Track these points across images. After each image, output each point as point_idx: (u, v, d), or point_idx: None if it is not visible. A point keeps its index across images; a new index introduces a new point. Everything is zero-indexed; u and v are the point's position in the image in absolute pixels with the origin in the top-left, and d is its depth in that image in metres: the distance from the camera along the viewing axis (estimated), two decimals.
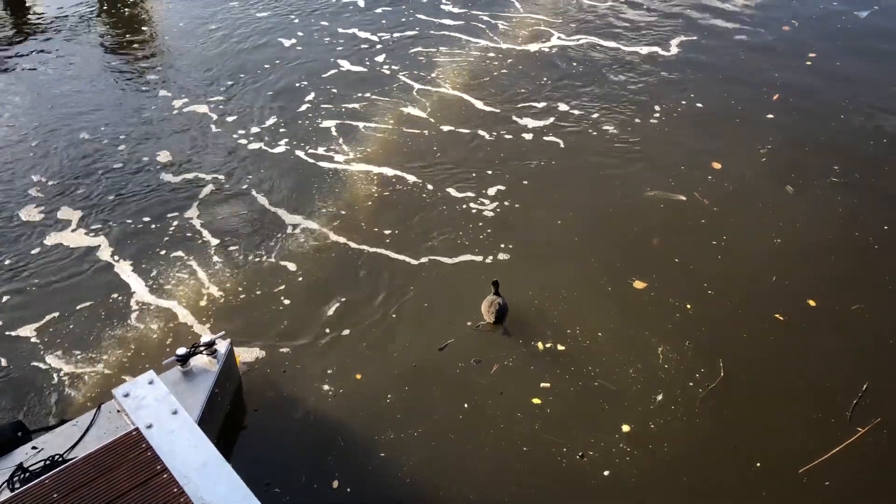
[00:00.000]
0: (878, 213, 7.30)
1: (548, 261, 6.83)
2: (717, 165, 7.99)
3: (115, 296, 6.54)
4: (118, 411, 4.71)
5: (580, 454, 5.17)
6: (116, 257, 6.96)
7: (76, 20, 11.55)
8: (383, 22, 11.19)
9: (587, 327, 6.12)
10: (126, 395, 4.63)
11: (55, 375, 5.80)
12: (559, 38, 10.67)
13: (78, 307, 6.42)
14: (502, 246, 6.95)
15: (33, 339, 6.14)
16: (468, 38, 10.68)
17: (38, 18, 11.73)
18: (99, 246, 7.09)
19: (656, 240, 6.99)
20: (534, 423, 5.41)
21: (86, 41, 10.95)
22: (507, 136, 8.53)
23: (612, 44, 10.47)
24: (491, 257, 6.85)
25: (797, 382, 5.67)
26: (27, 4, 12.25)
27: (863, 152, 8.19)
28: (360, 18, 11.33)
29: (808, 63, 9.91)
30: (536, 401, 5.57)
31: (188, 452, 4.28)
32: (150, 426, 4.43)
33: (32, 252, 7.03)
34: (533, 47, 10.43)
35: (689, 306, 6.30)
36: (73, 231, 7.29)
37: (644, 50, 10.30)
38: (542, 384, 5.69)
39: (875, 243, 6.91)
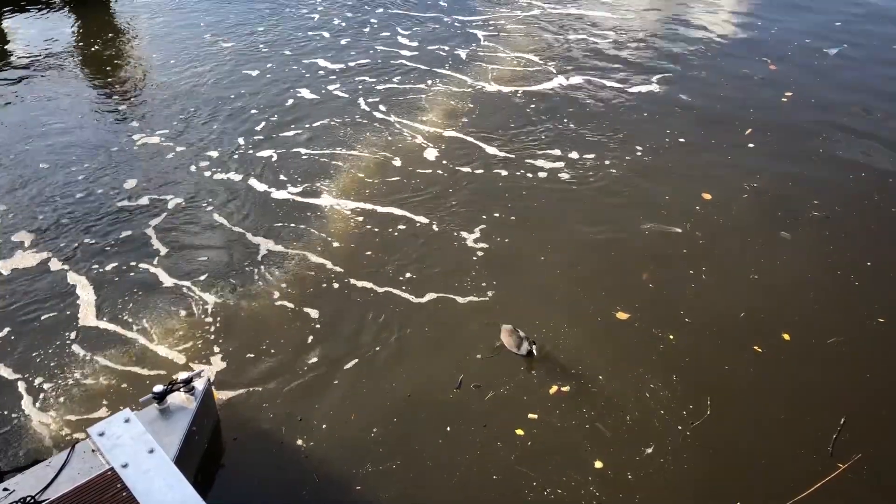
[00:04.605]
0: (861, 248, 7.38)
1: (543, 296, 6.82)
2: (707, 196, 8.10)
3: (82, 328, 6.45)
4: (93, 451, 4.62)
5: (546, 489, 5.13)
6: (84, 287, 6.89)
7: (52, 53, 11.62)
8: (352, 53, 11.48)
9: (584, 362, 6.11)
10: (101, 434, 4.56)
11: (24, 414, 5.70)
12: (543, 76, 10.83)
13: (47, 342, 6.32)
14: (499, 283, 6.93)
15: None
16: (434, 72, 10.87)
17: (14, 51, 11.79)
18: (66, 277, 7.01)
19: (646, 274, 7.03)
20: (510, 454, 5.39)
21: (60, 74, 11.01)
22: (498, 173, 8.60)
23: (596, 81, 10.65)
24: (484, 294, 6.82)
25: (778, 416, 5.68)
26: (3, 36, 12.30)
27: (842, 187, 8.32)
28: (326, 51, 11.56)
29: (784, 100, 10.11)
30: (520, 431, 5.55)
31: (164, 492, 4.22)
32: (125, 466, 4.36)
33: None
34: (513, 86, 10.57)
35: (671, 337, 6.33)
36: (32, 258, 7.23)
37: (629, 87, 10.47)
38: (530, 415, 5.67)
39: (856, 279, 6.98)
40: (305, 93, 10.30)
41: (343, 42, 11.85)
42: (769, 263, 7.17)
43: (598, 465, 5.29)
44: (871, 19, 12.82)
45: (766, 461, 5.33)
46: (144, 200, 8.10)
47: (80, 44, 12.08)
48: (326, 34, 12.13)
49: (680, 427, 5.57)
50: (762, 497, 5.09)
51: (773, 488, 5.13)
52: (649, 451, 5.39)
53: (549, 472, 5.25)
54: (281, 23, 12.63)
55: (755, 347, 6.24)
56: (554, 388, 5.88)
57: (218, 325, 6.50)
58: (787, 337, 6.34)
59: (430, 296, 6.80)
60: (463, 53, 11.45)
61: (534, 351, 6.07)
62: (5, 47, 11.96)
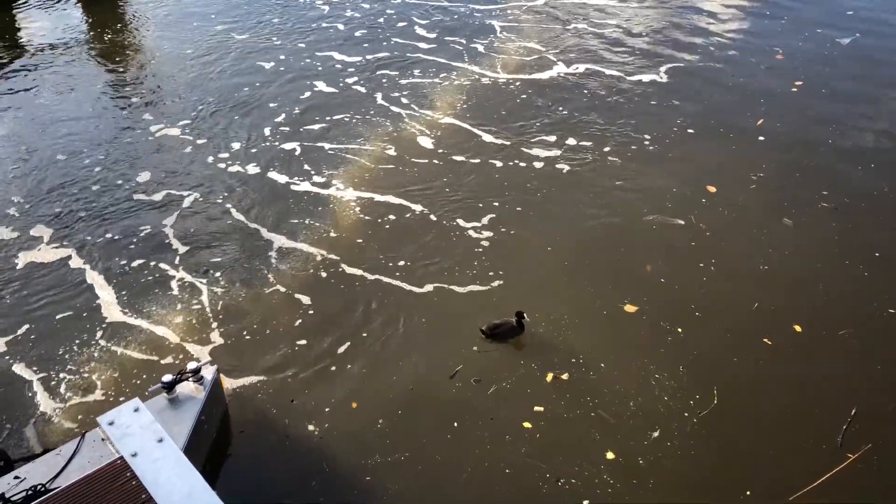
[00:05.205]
0: (869, 239, 7.33)
1: (546, 286, 6.81)
2: (711, 189, 8.05)
3: (95, 318, 6.49)
4: (103, 440, 4.65)
5: (559, 480, 5.13)
6: (97, 279, 6.93)
7: (64, 46, 11.63)
8: (365, 45, 11.42)
9: (587, 352, 6.10)
10: (111, 423, 4.58)
11: (35, 403, 5.73)
12: (548, 65, 10.78)
13: (60, 331, 6.37)
14: (501, 273, 6.92)
15: (11, 363, 6.08)
16: (447, 63, 10.82)
17: (28, 43, 11.79)
18: (81, 268, 7.07)
19: (650, 266, 7.00)
20: (520, 447, 5.39)
21: (73, 66, 11.03)
22: (499, 163, 8.57)
23: (603, 70, 10.59)
24: (489, 284, 6.81)
25: (788, 408, 5.66)
26: (17, 28, 12.32)
27: (852, 178, 8.26)
28: (339, 42, 11.55)
29: (794, 90, 10.04)
30: (527, 424, 5.55)
31: (174, 481, 4.24)
32: (135, 455, 4.39)
33: (9, 271, 7.02)
34: (519, 74, 10.52)
35: (679, 330, 6.31)
36: (49, 250, 7.31)
37: (635, 77, 10.41)
38: (536, 408, 5.66)
39: (865, 270, 6.94)
40: (321, 85, 10.24)
41: (357, 34, 11.78)
42: (778, 255, 7.13)
43: (610, 455, 5.29)
44: (883, 8, 12.70)
45: (774, 452, 5.32)
46: (159, 193, 8.12)
47: (93, 35, 12.09)
48: (340, 26, 12.06)
49: (687, 414, 5.56)
50: (771, 486, 5.08)
51: (781, 478, 5.12)
52: (658, 440, 5.38)
53: (561, 464, 5.25)
54: (293, 14, 12.56)
55: (765, 339, 6.21)
56: (550, 376, 5.88)
57: (227, 316, 6.51)
58: (798, 329, 6.31)
59: (432, 286, 6.80)
60: (480, 45, 11.32)
61: (525, 316, 6.10)
62: (18, 38, 11.97)
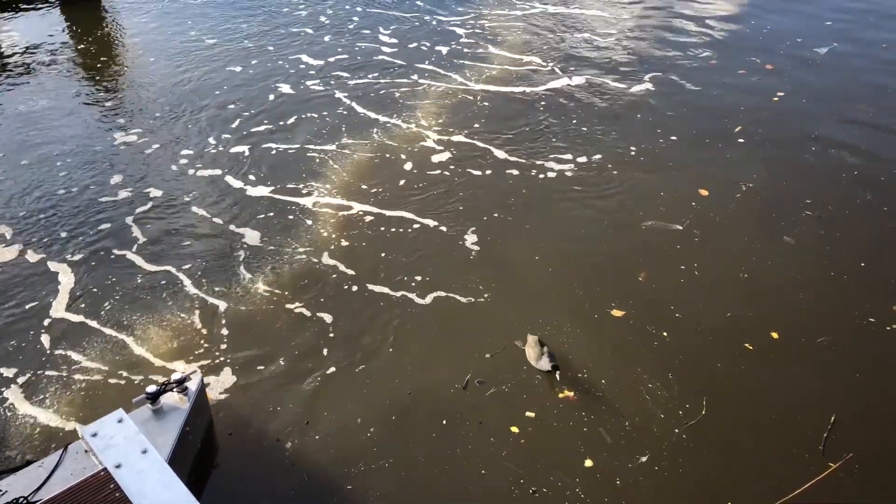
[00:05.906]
0: (853, 247, 7.40)
1: (542, 296, 6.81)
2: (704, 192, 8.15)
3: (67, 325, 6.44)
4: (86, 451, 4.62)
5: (532, 489, 5.14)
6: (64, 282, 6.89)
7: (38, 51, 11.67)
8: (338, 49, 11.56)
9: (583, 360, 6.11)
10: (94, 435, 4.55)
11: (16, 414, 5.67)
12: (534, 76, 10.84)
13: (34, 341, 6.31)
14: (493, 285, 6.92)
15: None
16: (426, 71, 10.89)
17: (4, 48, 11.76)
18: (49, 273, 7.02)
19: (644, 272, 7.04)
20: (502, 450, 5.40)
21: (47, 71, 11.05)
22: (486, 173, 8.60)
23: (588, 79, 10.69)
24: (481, 295, 6.80)
25: (771, 415, 5.69)
26: None
27: (835, 187, 8.34)
28: (308, 46, 11.69)
29: (776, 100, 10.15)
30: (514, 429, 5.56)
31: (158, 492, 4.22)
32: (118, 466, 4.36)
33: None
34: (501, 86, 10.57)
35: (665, 334, 6.35)
36: (8, 252, 7.27)
37: (619, 86, 10.51)
38: (528, 413, 5.67)
39: (848, 279, 7.00)
40: (289, 90, 10.36)
41: (327, 38, 11.92)
42: (762, 263, 7.20)
43: (588, 463, 5.30)
44: (860, 19, 12.88)
45: (757, 460, 5.36)
46: (128, 196, 8.11)
47: (67, 42, 12.09)
48: (310, 30, 12.21)
49: (677, 430, 5.57)
50: (754, 496, 5.10)
51: (764, 487, 5.15)
52: (641, 451, 5.40)
53: (537, 471, 5.26)
54: (265, 21, 12.74)
55: (746, 345, 6.26)
56: (563, 394, 5.86)
57: (209, 323, 6.48)
58: (775, 336, 6.37)
59: (430, 297, 6.79)
60: (445, 50, 11.48)
61: (556, 376, 5.94)
62: None
